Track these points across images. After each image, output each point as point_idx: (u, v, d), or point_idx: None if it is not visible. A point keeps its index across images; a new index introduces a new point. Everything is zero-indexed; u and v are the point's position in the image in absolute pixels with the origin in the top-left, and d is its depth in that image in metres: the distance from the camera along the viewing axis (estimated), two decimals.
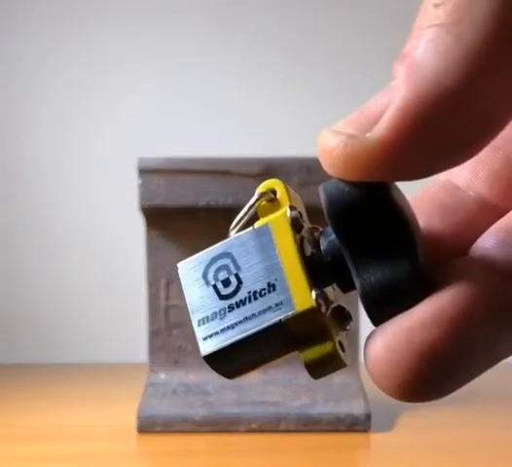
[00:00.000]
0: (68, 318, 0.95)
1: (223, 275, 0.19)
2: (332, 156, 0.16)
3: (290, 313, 0.18)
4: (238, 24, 0.97)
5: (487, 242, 0.18)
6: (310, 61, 0.97)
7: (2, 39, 0.96)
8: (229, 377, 0.19)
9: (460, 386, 0.17)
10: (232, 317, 0.18)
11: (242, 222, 0.20)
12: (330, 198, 0.17)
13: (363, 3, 0.97)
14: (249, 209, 0.20)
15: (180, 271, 0.20)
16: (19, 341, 0.94)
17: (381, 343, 0.17)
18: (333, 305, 0.18)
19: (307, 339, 0.18)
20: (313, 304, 0.18)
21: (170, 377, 0.59)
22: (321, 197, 0.18)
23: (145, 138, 0.93)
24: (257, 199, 0.20)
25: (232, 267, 0.19)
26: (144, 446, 0.54)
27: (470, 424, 0.58)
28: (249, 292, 0.18)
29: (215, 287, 0.19)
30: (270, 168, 0.57)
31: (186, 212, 0.57)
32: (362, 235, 0.17)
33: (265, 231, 0.19)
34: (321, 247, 0.19)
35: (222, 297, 0.19)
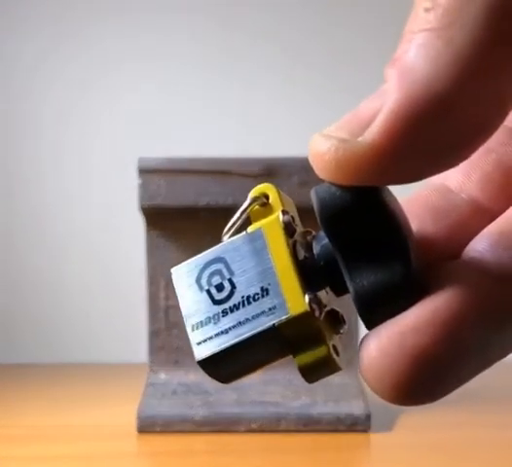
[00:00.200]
0: (68, 318, 0.95)
1: (216, 280, 0.19)
2: (324, 160, 0.16)
3: (284, 318, 0.18)
4: (238, 24, 0.97)
5: (479, 245, 0.18)
6: (311, 61, 0.97)
7: (2, 39, 0.96)
8: (223, 382, 0.19)
9: (453, 390, 0.17)
10: (226, 322, 0.19)
11: (235, 226, 0.20)
12: (322, 203, 0.17)
13: (363, 3, 0.97)
14: (242, 214, 0.20)
15: (174, 277, 0.20)
16: (19, 341, 0.94)
17: (374, 347, 0.17)
18: (326, 309, 0.19)
19: (301, 343, 0.18)
20: (307, 308, 0.18)
21: (170, 377, 0.59)
22: (313, 201, 0.18)
23: (145, 138, 0.93)
24: (250, 204, 0.20)
25: (225, 271, 0.19)
26: (144, 446, 0.54)
27: (470, 424, 0.58)
28: (243, 297, 0.19)
29: (209, 292, 0.19)
30: (270, 168, 0.57)
31: (186, 212, 0.57)
32: (355, 239, 0.18)
33: (258, 235, 0.19)
34: (314, 251, 0.19)
35: (216, 302, 0.19)
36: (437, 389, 0.17)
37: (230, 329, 0.18)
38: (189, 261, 0.20)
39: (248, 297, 0.18)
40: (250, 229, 0.19)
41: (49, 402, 0.68)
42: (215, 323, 0.19)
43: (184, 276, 0.19)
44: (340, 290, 0.19)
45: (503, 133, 0.20)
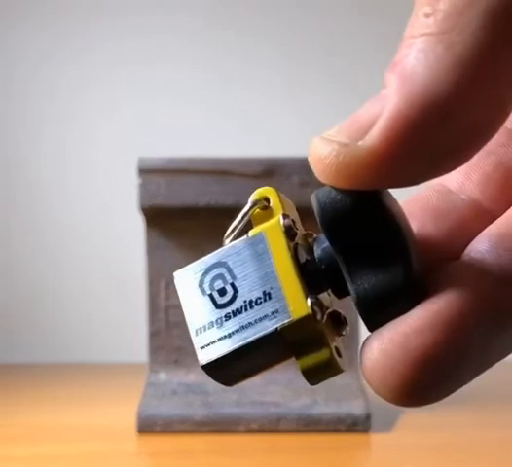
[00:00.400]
0: (68, 318, 0.95)
1: (219, 285, 0.19)
2: (324, 164, 0.16)
3: (286, 321, 0.18)
4: (239, 25, 0.97)
5: (480, 246, 0.18)
6: (311, 62, 0.97)
7: (2, 39, 0.96)
8: (227, 385, 0.19)
9: (454, 391, 0.17)
10: (229, 326, 0.19)
11: (237, 230, 0.20)
12: (322, 207, 0.18)
13: (363, 3, 0.97)
14: (243, 218, 0.20)
15: (176, 281, 0.20)
16: (19, 341, 0.94)
17: (376, 349, 0.17)
18: (328, 311, 0.19)
19: (303, 346, 0.18)
20: (309, 311, 0.18)
21: (170, 377, 0.59)
22: (314, 205, 0.18)
23: (145, 138, 0.93)
24: (250, 208, 0.20)
25: (227, 276, 0.19)
26: (144, 446, 0.54)
27: (469, 424, 0.58)
28: (245, 301, 0.19)
29: (211, 296, 0.19)
30: (270, 168, 0.57)
31: (186, 212, 0.57)
32: (355, 242, 0.18)
33: (259, 239, 0.19)
34: (315, 254, 0.19)
35: (218, 306, 0.19)
36: (439, 390, 0.17)
37: (233, 333, 0.19)
38: (191, 265, 0.20)
39: (251, 301, 0.19)
40: (251, 232, 0.19)
41: (49, 402, 0.68)
42: (218, 327, 0.19)
43: (186, 281, 0.20)
44: (341, 292, 0.19)
45: (503, 135, 0.20)
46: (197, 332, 0.19)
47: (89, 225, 0.95)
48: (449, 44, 0.15)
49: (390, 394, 0.17)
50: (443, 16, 0.15)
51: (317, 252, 0.19)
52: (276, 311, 0.18)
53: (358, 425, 0.55)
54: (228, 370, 0.19)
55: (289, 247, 0.19)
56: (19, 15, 0.95)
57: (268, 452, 0.52)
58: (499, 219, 0.18)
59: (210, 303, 0.19)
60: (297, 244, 0.19)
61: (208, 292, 0.19)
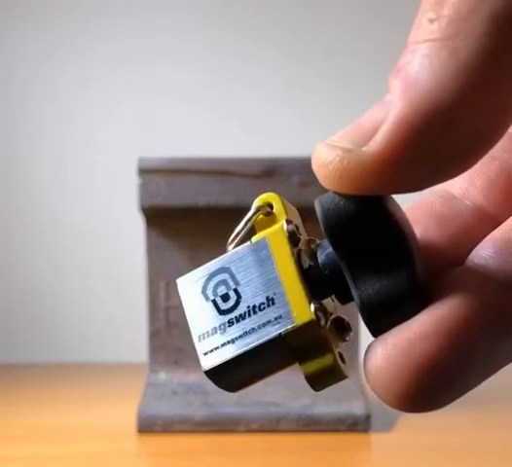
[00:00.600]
0: (68, 318, 0.95)
1: (222, 290, 0.19)
2: (328, 170, 0.16)
3: (290, 327, 0.18)
4: (238, 25, 0.97)
5: (484, 252, 0.18)
6: (311, 62, 0.97)
7: (2, 39, 0.96)
8: (230, 391, 0.19)
9: (459, 396, 0.17)
10: (232, 332, 0.19)
11: (240, 236, 0.20)
12: (326, 213, 0.18)
13: (364, 3, 0.97)
14: (246, 223, 0.20)
15: (179, 287, 0.20)
16: (19, 341, 0.94)
17: (380, 355, 0.17)
18: (332, 317, 0.19)
19: (307, 352, 0.18)
20: (313, 317, 0.18)
21: (170, 377, 0.59)
22: (317, 210, 0.18)
23: (145, 138, 0.93)
24: (254, 213, 0.20)
25: (230, 281, 0.19)
26: (144, 446, 0.54)
27: (469, 424, 0.58)
28: (248, 306, 0.19)
29: (215, 302, 0.19)
30: (270, 168, 0.57)
31: (186, 212, 0.57)
32: (359, 248, 0.18)
33: (262, 245, 0.19)
34: (318, 260, 0.19)
35: (221, 312, 0.19)
36: (443, 396, 0.17)
37: (236, 339, 0.18)
38: (194, 271, 0.20)
39: (254, 306, 0.19)
40: (255, 238, 0.19)
41: (48, 402, 0.68)
42: (222, 333, 0.19)
43: (190, 287, 0.20)
44: (345, 298, 0.19)
45: (507, 140, 0.20)
46: (200, 338, 0.19)
47: (89, 225, 0.95)
48: (453, 50, 0.15)
49: (395, 400, 0.17)
50: (447, 21, 0.15)
51: (321, 258, 0.19)
52: (280, 317, 0.18)
53: (358, 425, 0.55)
54: (231, 375, 0.19)
55: (292, 253, 0.19)
56: (19, 15, 0.95)
57: (268, 452, 0.52)
58: (503, 225, 0.18)
59: (213, 308, 0.19)
60: (300, 250, 0.19)
61: (211, 298, 0.19)
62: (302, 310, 0.18)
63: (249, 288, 0.19)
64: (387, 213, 0.17)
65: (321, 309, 0.18)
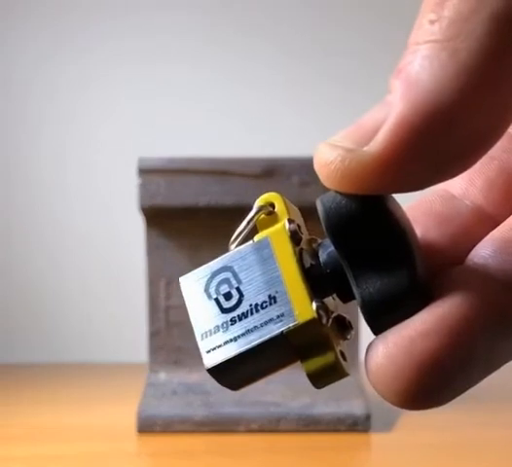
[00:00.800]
0: (68, 318, 0.95)
1: (224, 289, 0.19)
2: (330, 169, 0.17)
3: (292, 325, 0.18)
4: (239, 24, 0.97)
5: (484, 251, 0.18)
6: (311, 62, 0.97)
7: (2, 39, 0.96)
8: (233, 389, 0.20)
9: (460, 394, 0.17)
10: (234, 330, 0.19)
11: (242, 235, 0.20)
12: (327, 212, 0.18)
13: (363, 3, 0.97)
14: (249, 223, 0.20)
15: (182, 286, 0.20)
16: (19, 341, 0.94)
17: (381, 353, 0.17)
18: (333, 315, 0.19)
19: (308, 350, 0.18)
20: (314, 315, 0.18)
21: (170, 377, 0.59)
22: (319, 210, 0.18)
23: (145, 138, 0.93)
24: (256, 213, 0.20)
25: (233, 280, 0.19)
26: (144, 446, 0.54)
27: (470, 424, 0.58)
28: (251, 305, 0.19)
29: (217, 301, 0.19)
30: (270, 168, 0.57)
31: (186, 212, 0.57)
32: (360, 247, 0.18)
33: (265, 244, 0.19)
34: (320, 259, 0.19)
35: (224, 310, 0.19)
36: (444, 394, 0.17)
37: (238, 337, 0.19)
38: (197, 270, 0.20)
39: (256, 305, 0.19)
40: (257, 237, 0.19)
41: (48, 402, 0.68)
42: (224, 331, 0.19)
43: (192, 285, 0.20)
44: (346, 297, 0.19)
45: (506, 140, 0.20)
46: (203, 336, 0.19)
47: (89, 225, 0.95)
48: (453, 51, 0.15)
49: (396, 398, 0.17)
50: (448, 22, 0.15)
51: (322, 257, 0.19)
52: (282, 315, 0.18)
53: (358, 425, 0.55)
54: (233, 373, 0.19)
55: (294, 252, 0.19)
56: (19, 15, 0.95)
57: (268, 452, 0.52)
58: (503, 224, 0.19)
59: (216, 307, 0.19)
60: (302, 249, 0.19)
61: (214, 296, 0.19)
62: (304, 309, 0.18)
63: (251, 287, 0.19)
64: (388, 212, 0.18)
65: (323, 308, 0.18)
